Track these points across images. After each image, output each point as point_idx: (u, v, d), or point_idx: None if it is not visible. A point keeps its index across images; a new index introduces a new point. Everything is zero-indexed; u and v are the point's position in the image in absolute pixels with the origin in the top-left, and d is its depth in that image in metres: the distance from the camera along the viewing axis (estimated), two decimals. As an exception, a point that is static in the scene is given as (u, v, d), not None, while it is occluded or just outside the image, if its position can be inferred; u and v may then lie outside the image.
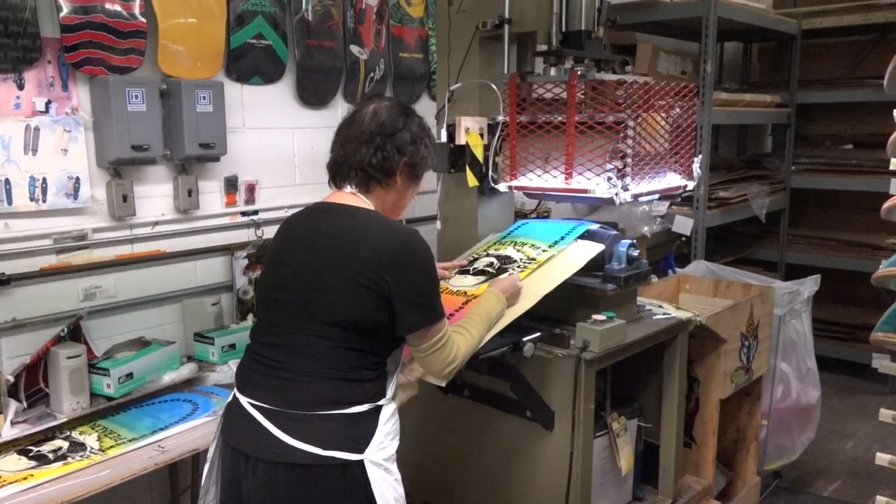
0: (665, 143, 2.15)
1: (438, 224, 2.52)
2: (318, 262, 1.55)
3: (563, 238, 2.18)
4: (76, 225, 2.31)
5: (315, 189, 2.84)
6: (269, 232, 2.76)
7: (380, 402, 1.55)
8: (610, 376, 2.29)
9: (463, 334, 1.68)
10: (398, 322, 1.53)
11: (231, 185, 2.71)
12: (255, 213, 2.78)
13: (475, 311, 1.80)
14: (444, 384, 1.72)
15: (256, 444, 1.51)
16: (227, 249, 2.69)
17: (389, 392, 1.59)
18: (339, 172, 1.65)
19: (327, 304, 1.51)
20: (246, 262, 2.67)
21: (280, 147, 2.87)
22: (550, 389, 2.05)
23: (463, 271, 2.17)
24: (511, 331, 1.90)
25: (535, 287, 1.98)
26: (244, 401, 1.56)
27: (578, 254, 2.11)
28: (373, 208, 1.62)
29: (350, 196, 1.63)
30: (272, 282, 1.63)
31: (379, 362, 1.57)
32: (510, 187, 2.25)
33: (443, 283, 2.11)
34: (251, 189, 2.77)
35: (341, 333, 1.51)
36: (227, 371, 2.37)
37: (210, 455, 1.67)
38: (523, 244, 2.22)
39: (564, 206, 3.80)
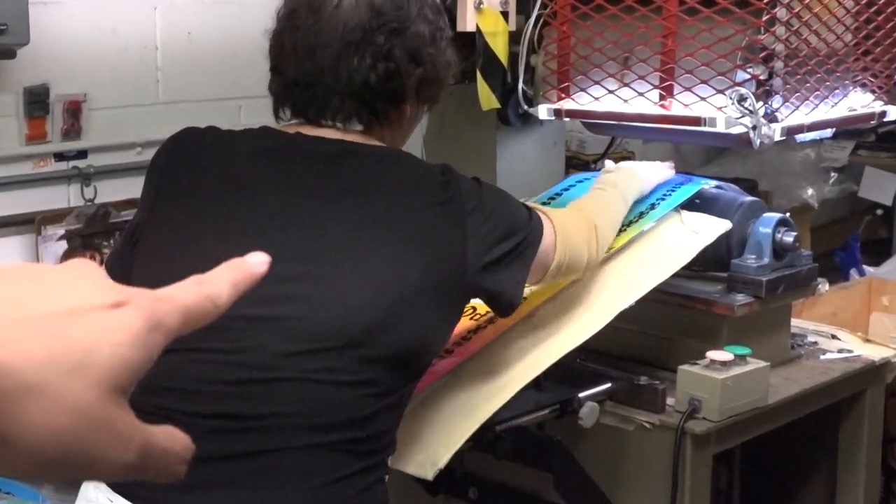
0: (845, 34, 2.17)
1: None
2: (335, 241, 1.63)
3: (653, 206, 2.20)
4: None
5: (195, 112, 2.85)
6: (109, 191, 2.78)
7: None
8: (739, 464, 2.32)
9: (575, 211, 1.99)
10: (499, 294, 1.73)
11: (37, 102, 2.72)
12: (83, 154, 2.79)
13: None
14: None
15: None
16: (30, 222, 2.69)
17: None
18: (310, 103, 1.69)
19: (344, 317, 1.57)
20: (65, 246, 2.68)
21: (129, 33, 2.88)
22: (628, 486, 2.07)
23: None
24: (556, 380, 1.92)
25: (604, 297, 1.99)
26: None
27: (682, 237, 2.13)
28: None
29: (337, 132, 1.69)
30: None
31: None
32: (558, 112, 2.28)
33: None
34: (75, 111, 2.78)
35: (367, 369, 1.56)
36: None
37: None
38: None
39: (658, 149, 3.82)
